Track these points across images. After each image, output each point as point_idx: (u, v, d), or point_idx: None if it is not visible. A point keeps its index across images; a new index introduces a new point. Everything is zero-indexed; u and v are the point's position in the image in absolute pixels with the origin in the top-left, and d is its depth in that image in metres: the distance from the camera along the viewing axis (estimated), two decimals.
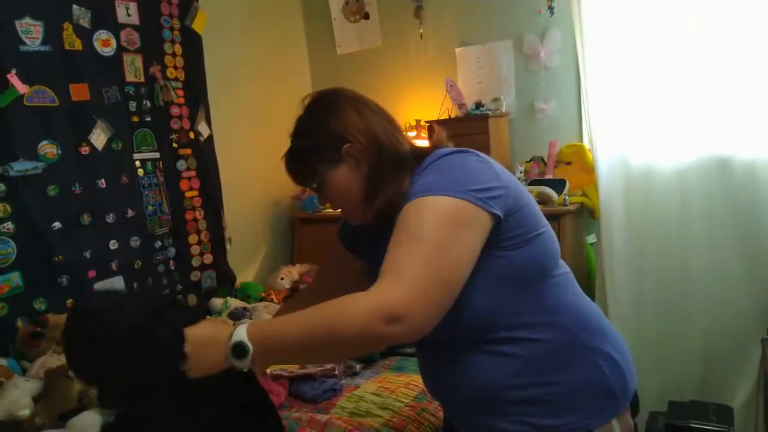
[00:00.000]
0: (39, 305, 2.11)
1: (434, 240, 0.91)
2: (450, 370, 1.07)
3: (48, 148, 2.14)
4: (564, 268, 1.10)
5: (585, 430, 1.01)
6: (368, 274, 1.20)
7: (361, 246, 1.25)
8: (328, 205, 3.17)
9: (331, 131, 1.08)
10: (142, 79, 2.51)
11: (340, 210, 1.19)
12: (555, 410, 1.00)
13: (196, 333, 0.91)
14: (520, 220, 1.00)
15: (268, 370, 1.91)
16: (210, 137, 2.82)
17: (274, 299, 2.79)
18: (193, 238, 2.74)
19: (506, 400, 1.02)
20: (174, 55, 2.65)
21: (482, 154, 1.06)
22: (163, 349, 0.89)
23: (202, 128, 2.78)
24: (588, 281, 2.74)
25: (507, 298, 1.00)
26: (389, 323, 0.84)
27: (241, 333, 0.88)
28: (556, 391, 1.01)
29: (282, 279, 2.95)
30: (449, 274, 0.91)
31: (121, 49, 2.41)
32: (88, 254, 2.27)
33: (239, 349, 0.87)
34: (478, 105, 2.87)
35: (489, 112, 2.80)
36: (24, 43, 2.07)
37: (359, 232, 1.22)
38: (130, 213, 2.44)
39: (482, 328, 1.01)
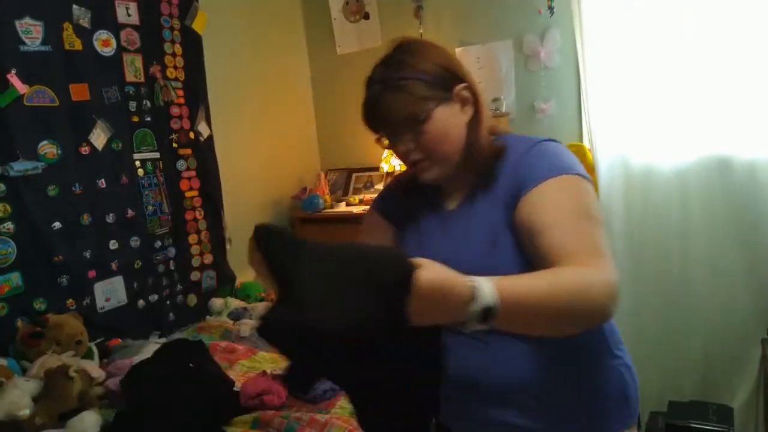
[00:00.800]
0: (39, 305, 2.11)
1: (600, 220, 0.92)
2: (481, 355, 1.00)
3: (48, 148, 2.14)
4: None
5: None
6: (410, 246, 1.11)
7: (399, 216, 1.16)
8: (328, 202, 3.19)
9: (442, 65, 0.98)
10: (142, 79, 2.51)
11: (421, 160, 1.01)
12: (581, 414, 0.99)
13: (431, 275, 0.69)
14: None
15: (268, 370, 1.91)
16: (210, 137, 2.82)
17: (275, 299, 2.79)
18: (193, 238, 2.74)
19: (534, 396, 0.99)
20: (174, 55, 2.65)
21: None
22: (388, 284, 0.67)
23: (202, 128, 2.78)
24: None
25: None
26: (612, 300, 0.81)
27: (488, 288, 0.72)
28: (587, 395, 0.99)
29: None
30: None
31: (121, 49, 2.41)
32: (88, 254, 2.27)
33: (485, 311, 0.72)
34: None
35: (489, 113, 2.80)
36: (24, 43, 2.07)
37: (399, 201, 1.15)
38: (130, 213, 2.44)
39: None
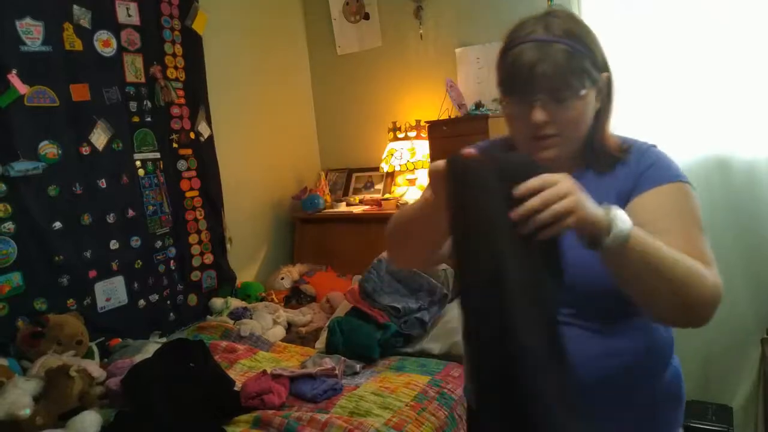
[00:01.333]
0: (39, 305, 2.11)
1: (705, 228, 0.96)
2: (578, 346, 0.92)
3: (48, 149, 2.15)
4: None
5: None
6: None
7: None
8: (328, 202, 3.20)
9: (601, 53, 0.97)
10: (143, 80, 2.51)
11: (551, 133, 0.96)
12: (650, 412, 1.00)
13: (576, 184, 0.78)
14: None
15: (268, 370, 1.92)
16: (210, 137, 2.83)
17: (275, 299, 2.79)
18: (193, 238, 2.74)
19: (623, 388, 0.97)
20: (174, 55, 2.65)
21: None
22: None
23: (203, 128, 2.78)
24: None
25: None
26: (714, 306, 0.85)
27: (623, 215, 0.80)
28: (656, 393, 1.00)
29: (282, 279, 2.96)
30: None
31: (121, 49, 2.41)
32: (88, 254, 2.27)
33: (620, 227, 0.78)
34: (478, 105, 2.87)
35: (489, 113, 2.80)
36: (24, 44, 2.07)
37: None
38: (131, 213, 2.45)
39: (627, 305, 0.91)
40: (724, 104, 2.35)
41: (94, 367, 1.94)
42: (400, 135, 3.04)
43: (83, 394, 1.77)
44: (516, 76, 0.94)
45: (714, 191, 2.41)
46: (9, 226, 2.03)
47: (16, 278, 2.06)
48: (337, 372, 1.93)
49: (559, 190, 0.74)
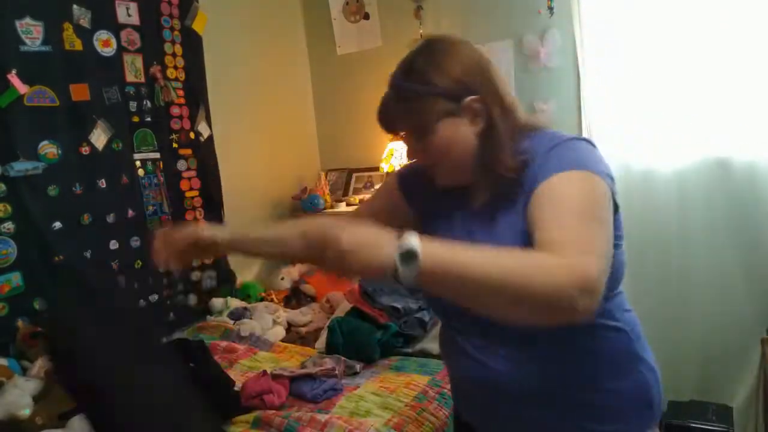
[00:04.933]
0: (39, 305, 2.11)
1: (604, 220, 0.87)
2: (508, 362, 1.00)
3: (48, 148, 2.15)
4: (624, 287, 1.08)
5: None
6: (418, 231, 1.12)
7: (419, 197, 1.14)
8: (328, 202, 3.20)
9: (454, 78, 0.95)
10: (143, 80, 2.51)
11: (429, 167, 1.03)
12: (602, 415, 0.99)
13: (357, 231, 0.78)
14: (616, 223, 0.97)
15: (268, 370, 1.92)
16: (210, 137, 2.82)
17: (274, 299, 2.79)
18: None
19: (562, 401, 0.99)
20: (174, 55, 2.65)
21: None
22: None
23: (202, 128, 2.78)
24: None
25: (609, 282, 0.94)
26: (582, 294, 0.75)
27: (413, 240, 0.76)
28: (607, 397, 0.99)
29: (282, 279, 2.96)
30: (611, 249, 0.86)
31: (121, 49, 2.41)
32: (88, 254, 2.27)
33: (408, 255, 0.75)
34: None
35: None
36: (24, 43, 2.07)
37: (420, 183, 1.10)
38: (131, 213, 2.44)
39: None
40: (725, 106, 2.35)
41: None
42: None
43: None
44: (380, 121, 1.03)
45: (714, 192, 2.41)
46: (9, 226, 2.03)
47: (15, 278, 2.05)
48: (337, 372, 1.93)
49: (327, 247, 0.78)
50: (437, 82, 0.96)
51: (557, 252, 0.79)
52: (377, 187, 3.27)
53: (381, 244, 0.77)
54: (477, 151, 0.98)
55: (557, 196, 0.89)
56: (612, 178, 0.93)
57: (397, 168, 1.20)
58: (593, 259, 0.79)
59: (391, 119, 1.00)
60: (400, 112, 0.98)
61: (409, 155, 1.04)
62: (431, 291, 0.81)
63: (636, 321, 1.07)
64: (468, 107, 0.97)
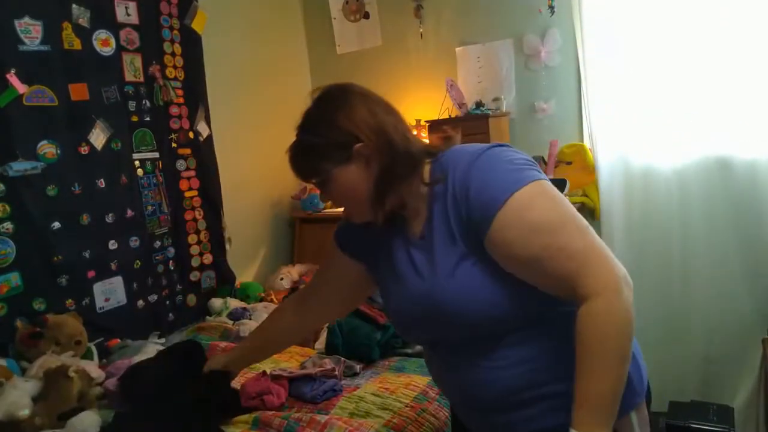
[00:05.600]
0: (38, 305, 2.10)
1: (570, 216, 0.94)
2: (467, 371, 1.06)
3: (47, 148, 2.14)
4: None
5: None
6: (379, 283, 1.21)
7: (362, 248, 1.22)
8: (329, 203, 3.20)
9: (342, 129, 1.03)
10: (142, 79, 2.50)
11: (342, 209, 1.15)
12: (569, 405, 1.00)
13: None
14: None
15: (268, 370, 1.91)
16: (209, 137, 2.82)
17: (274, 299, 2.79)
18: (192, 238, 2.73)
19: (527, 398, 1.01)
20: (173, 54, 2.64)
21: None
22: None
23: (202, 128, 2.78)
24: None
25: (528, 289, 0.99)
26: (626, 287, 0.91)
27: None
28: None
29: (282, 279, 2.95)
30: (592, 230, 0.95)
31: (120, 48, 2.41)
32: (87, 254, 2.26)
33: None
34: (479, 105, 2.87)
35: (489, 112, 2.80)
36: (23, 43, 2.06)
37: (359, 233, 1.18)
38: (130, 213, 2.44)
39: (505, 323, 1.00)
40: (725, 104, 2.34)
41: (92, 368, 1.93)
42: None
43: (82, 394, 1.76)
44: (291, 168, 1.11)
45: (715, 192, 2.41)
46: (7, 226, 2.02)
47: (14, 278, 2.05)
48: (336, 373, 1.93)
49: None
50: (326, 133, 1.04)
51: (583, 286, 0.90)
52: None
53: None
54: (375, 191, 1.04)
55: (525, 230, 0.92)
56: (543, 172, 0.99)
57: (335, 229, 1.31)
58: (603, 260, 0.91)
59: (296, 169, 1.09)
60: (301, 163, 1.07)
61: (322, 199, 1.14)
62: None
63: None
64: (357, 153, 1.03)
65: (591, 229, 0.95)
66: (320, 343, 2.27)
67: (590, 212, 2.76)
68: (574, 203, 2.61)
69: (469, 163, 0.99)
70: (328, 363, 1.98)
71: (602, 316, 0.89)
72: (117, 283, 2.38)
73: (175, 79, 2.65)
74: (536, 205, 0.93)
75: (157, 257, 2.56)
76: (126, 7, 2.42)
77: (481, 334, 1.01)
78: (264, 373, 1.89)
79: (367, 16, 3.29)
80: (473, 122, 2.75)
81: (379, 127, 1.04)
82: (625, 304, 0.89)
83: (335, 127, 1.04)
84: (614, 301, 0.88)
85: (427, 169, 1.07)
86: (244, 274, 3.05)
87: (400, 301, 1.10)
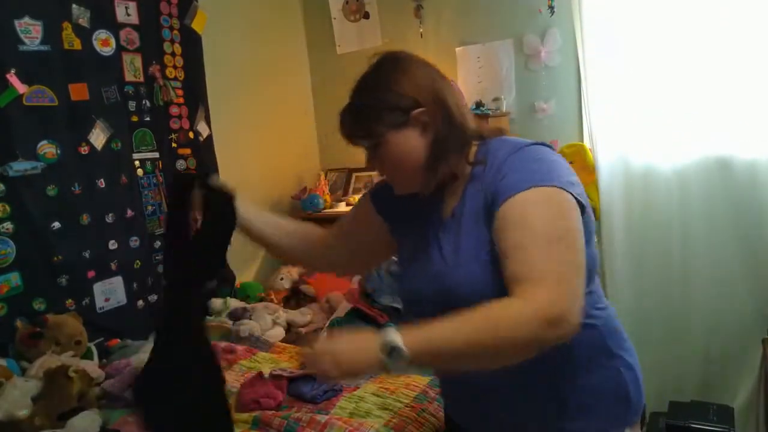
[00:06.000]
0: (38, 305, 2.10)
1: (562, 233, 0.90)
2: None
3: (47, 148, 2.14)
4: (598, 279, 1.11)
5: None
6: (399, 251, 1.18)
7: (393, 211, 1.19)
8: (325, 202, 3.19)
9: (402, 92, 1.02)
10: (142, 79, 2.50)
11: (386, 176, 1.11)
12: (577, 412, 1.00)
13: (342, 342, 0.90)
14: (585, 222, 0.99)
15: (266, 371, 1.91)
16: (209, 137, 2.82)
17: (274, 299, 2.79)
18: None
19: (534, 398, 1.01)
20: (173, 54, 2.64)
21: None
22: None
23: (202, 128, 2.78)
24: None
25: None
26: (552, 327, 0.83)
27: (393, 336, 0.84)
28: (581, 393, 1.01)
29: (282, 279, 2.95)
30: (581, 260, 0.90)
31: (120, 48, 2.41)
32: (87, 254, 2.26)
33: (393, 350, 0.83)
34: (479, 104, 2.87)
35: (489, 112, 2.80)
36: (23, 43, 2.06)
37: (394, 198, 1.14)
38: (130, 213, 2.44)
39: None
40: (725, 104, 2.34)
41: (92, 368, 1.93)
42: None
43: (82, 394, 1.77)
44: (340, 131, 1.09)
45: (715, 192, 2.41)
46: (7, 226, 2.02)
47: (14, 278, 2.05)
48: None
49: (317, 360, 0.87)
50: (387, 96, 1.02)
51: (521, 291, 0.85)
52: None
53: (365, 346, 0.85)
54: (426, 161, 1.03)
55: (520, 221, 0.92)
56: (575, 184, 0.96)
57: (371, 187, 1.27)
58: (558, 289, 0.85)
59: (347, 131, 1.07)
60: (355, 124, 1.05)
61: (368, 165, 1.10)
62: (424, 366, 0.90)
63: (611, 317, 1.07)
64: (416, 119, 1.02)
65: (578, 265, 0.90)
66: None
67: None
68: None
69: (510, 153, 0.99)
70: None
71: (512, 314, 0.84)
72: (117, 283, 2.38)
73: (175, 79, 2.65)
74: (539, 208, 0.92)
75: (157, 257, 2.56)
76: (126, 7, 2.42)
77: None
78: (260, 374, 1.88)
79: (367, 16, 3.29)
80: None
81: (439, 96, 1.03)
82: (534, 333, 0.82)
83: (395, 90, 1.02)
84: (530, 320, 0.82)
85: (473, 150, 1.06)
86: (244, 274, 3.05)
87: (416, 277, 1.08)
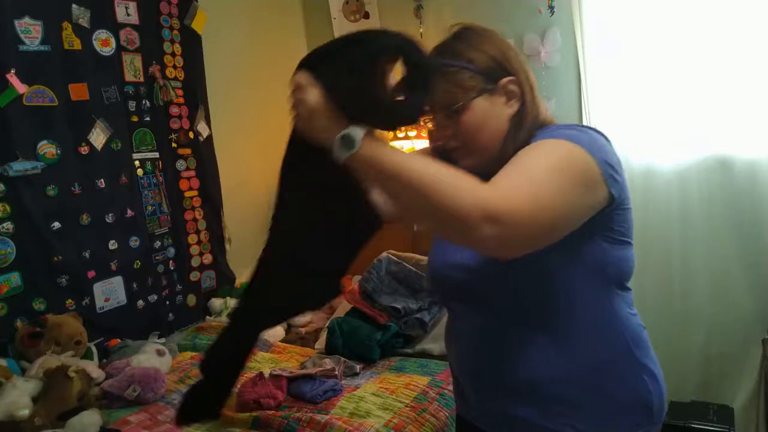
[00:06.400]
0: (38, 305, 2.10)
1: (562, 175, 0.85)
2: (496, 349, 1.02)
3: (47, 148, 2.14)
4: (630, 286, 1.09)
5: None
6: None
7: None
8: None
9: (493, 58, 0.98)
10: (142, 79, 2.50)
11: (459, 146, 1.01)
12: (594, 416, 0.98)
13: (319, 99, 0.84)
14: (624, 219, 0.98)
15: (266, 371, 1.91)
16: (209, 137, 2.82)
17: None
18: (192, 238, 2.73)
19: (547, 394, 0.98)
20: (173, 54, 2.64)
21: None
22: None
23: (202, 128, 2.78)
24: None
25: (583, 287, 0.97)
26: (482, 222, 0.76)
27: (358, 132, 0.81)
28: (599, 397, 0.98)
29: None
30: (561, 211, 0.85)
31: (120, 48, 2.40)
32: (87, 254, 2.26)
33: (348, 140, 0.80)
34: None
35: None
36: (23, 43, 2.06)
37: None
38: (130, 213, 2.44)
39: (549, 309, 0.98)
40: (725, 104, 2.34)
41: (92, 368, 1.93)
42: (400, 134, 3.03)
43: (82, 394, 1.77)
44: None
45: (715, 191, 2.41)
46: (7, 226, 2.02)
47: (14, 278, 2.05)
48: (336, 373, 1.93)
49: (296, 90, 0.87)
50: (473, 58, 0.97)
51: (488, 184, 0.81)
52: None
53: (332, 123, 0.82)
54: (506, 133, 0.98)
55: (526, 152, 0.90)
56: (611, 166, 0.91)
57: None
58: (515, 195, 0.79)
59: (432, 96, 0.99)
60: (441, 88, 0.96)
61: (437, 136, 1.03)
62: (361, 176, 0.85)
63: (638, 326, 1.06)
64: (504, 87, 0.98)
65: (555, 206, 0.83)
66: (320, 343, 2.27)
67: None
68: None
69: (556, 127, 0.98)
70: (328, 363, 1.98)
71: (464, 185, 0.79)
72: (117, 283, 2.38)
73: (175, 79, 2.65)
74: (554, 148, 0.89)
75: (157, 257, 2.56)
76: (126, 7, 2.42)
77: (533, 302, 0.98)
78: (261, 374, 1.89)
79: (367, 16, 3.29)
80: None
81: (524, 68, 1.01)
82: (466, 211, 0.76)
83: (484, 55, 0.98)
84: (473, 199, 0.77)
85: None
86: (244, 274, 3.05)
87: (444, 262, 1.06)
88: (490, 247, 0.81)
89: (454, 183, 0.79)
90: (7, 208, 2.03)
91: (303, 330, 2.54)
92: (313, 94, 0.83)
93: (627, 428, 1.00)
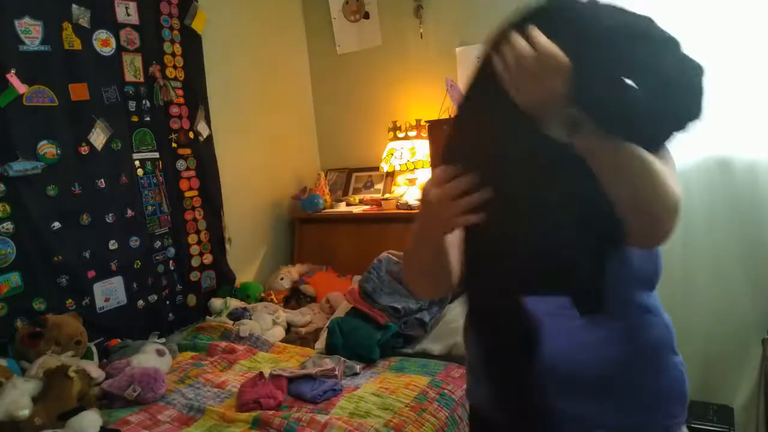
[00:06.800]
0: (38, 305, 2.10)
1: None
2: (571, 337, 0.97)
3: (47, 148, 2.14)
4: None
5: (665, 428, 1.02)
6: None
7: None
8: (329, 202, 3.19)
9: None
10: (142, 79, 2.50)
11: None
12: (644, 407, 1.00)
13: None
14: None
15: (266, 372, 1.91)
16: (209, 137, 2.82)
17: (274, 299, 2.79)
18: (192, 238, 2.73)
19: (610, 383, 0.98)
20: (173, 54, 2.64)
21: None
22: None
23: (202, 128, 2.78)
24: None
25: (653, 276, 1.05)
26: (676, 214, 0.89)
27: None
28: (652, 384, 1.01)
29: (282, 279, 2.95)
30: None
31: (120, 48, 2.41)
32: (87, 254, 2.27)
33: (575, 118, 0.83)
34: None
35: None
36: (23, 43, 2.07)
37: None
38: (130, 213, 2.44)
39: (629, 294, 1.02)
40: (725, 105, 2.34)
41: (93, 368, 1.93)
42: (401, 134, 3.03)
43: (82, 394, 1.77)
44: None
45: (715, 192, 2.40)
46: (8, 226, 2.03)
47: (14, 278, 2.05)
48: (336, 373, 1.93)
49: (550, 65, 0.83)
50: None
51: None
52: (377, 186, 3.27)
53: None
54: None
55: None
56: None
57: None
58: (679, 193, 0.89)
59: None
60: None
61: None
62: (592, 156, 0.85)
63: (670, 321, 1.10)
64: None
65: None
66: (320, 343, 2.27)
67: None
68: None
69: None
70: (328, 363, 1.98)
71: (674, 182, 0.92)
72: (117, 283, 2.38)
73: (175, 79, 2.65)
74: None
75: (157, 257, 2.57)
76: (126, 7, 2.42)
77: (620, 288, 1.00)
78: (261, 375, 1.89)
79: (367, 16, 3.29)
80: None
81: None
82: (674, 202, 0.90)
83: None
84: (675, 188, 0.92)
85: None
86: (244, 274, 3.05)
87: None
88: (664, 240, 0.91)
89: (666, 172, 0.87)
90: (7, 208, 2.03)
91: (303, 330, 2.54)
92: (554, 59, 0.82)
93: (669, 416, 1.02)
